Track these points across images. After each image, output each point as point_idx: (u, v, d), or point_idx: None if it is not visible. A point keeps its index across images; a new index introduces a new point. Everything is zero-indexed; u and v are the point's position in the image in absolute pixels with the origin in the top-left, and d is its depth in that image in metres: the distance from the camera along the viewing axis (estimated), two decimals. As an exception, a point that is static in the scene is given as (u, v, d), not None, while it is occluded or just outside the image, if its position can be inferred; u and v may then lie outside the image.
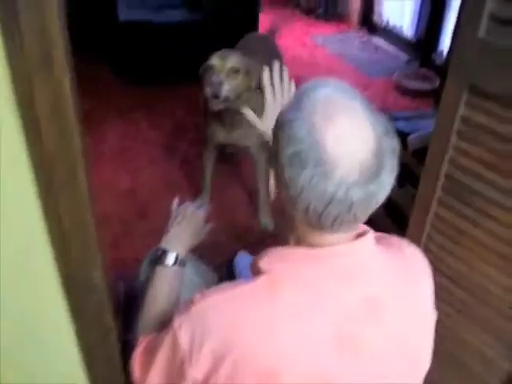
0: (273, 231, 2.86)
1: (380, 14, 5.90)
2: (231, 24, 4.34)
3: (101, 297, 1.19)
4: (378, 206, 0.89)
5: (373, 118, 0.86)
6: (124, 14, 4.31)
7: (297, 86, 1.33)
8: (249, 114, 1.52)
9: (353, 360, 0.92)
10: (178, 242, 1.45)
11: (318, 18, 6.53)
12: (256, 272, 0.96)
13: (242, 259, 1.84)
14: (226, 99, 2.46)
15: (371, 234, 0.97)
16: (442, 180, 1.48)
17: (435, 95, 4.26)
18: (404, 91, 4.58)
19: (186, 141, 3.76)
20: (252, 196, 3.17)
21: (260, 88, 2.76)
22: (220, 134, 2.76)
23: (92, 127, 3.59)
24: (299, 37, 5.94)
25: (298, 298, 0.91)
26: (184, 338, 0.95)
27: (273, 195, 0.92)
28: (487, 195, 1.38)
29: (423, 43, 5.08)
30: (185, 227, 1.50)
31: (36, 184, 0.97)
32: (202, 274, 1.62)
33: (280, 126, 0.88)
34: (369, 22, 6.08)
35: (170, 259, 1.39)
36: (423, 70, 4.92)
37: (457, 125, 1.38)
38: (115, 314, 1.28)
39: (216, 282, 1.62)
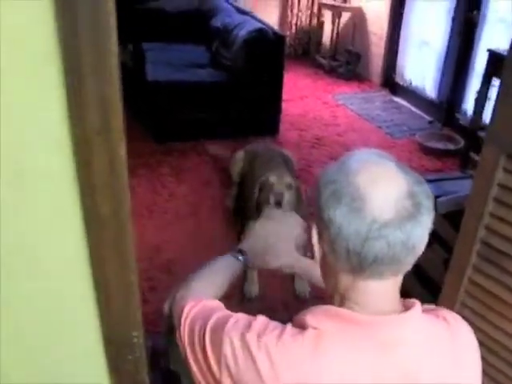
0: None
1: (402, 75, 6.00)
2: (257, 83, 4.44)
3: (138, 354, 1.20)
4: (418, 251, 0.91)
5: (403, 171, 0.91)
6: (152, 73, 4.46)
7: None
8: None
9: None
10: (256, 254, 1.39)
11: (339, 77, 6.66)
12: (301, 326, 0.97)
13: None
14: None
15: (418, 308, 0.97)
16: (477, 246, 1.48)
17: (460, 156, 4.27)
18: (428, 152, 4.60)
19: (212, 197, 3.80)
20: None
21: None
22: None
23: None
24: (320, 96, 6.04)
25: (340, 358, 0.92)
26: (227, 351, 0.97)
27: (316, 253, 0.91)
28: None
29: (446, 103, 5.14)
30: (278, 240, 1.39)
31: (86, 244, 0.99)
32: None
33: (320, 176, 0.95)
34: (391, 82, 6.19)
35: (241, 256, 1.36)
36: (446, 131, 4.96)
37: (494, 191, 1.39)
38: (149, 369, 1.28)
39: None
